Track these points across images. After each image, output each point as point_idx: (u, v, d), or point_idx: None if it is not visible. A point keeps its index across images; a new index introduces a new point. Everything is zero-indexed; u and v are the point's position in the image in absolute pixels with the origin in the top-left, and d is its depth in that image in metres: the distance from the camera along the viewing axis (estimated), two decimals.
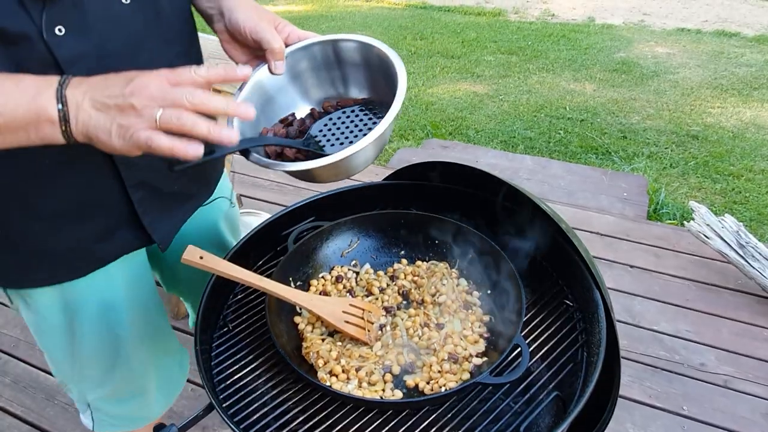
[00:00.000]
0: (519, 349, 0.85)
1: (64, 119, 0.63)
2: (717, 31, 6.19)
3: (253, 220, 2.26)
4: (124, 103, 0.62)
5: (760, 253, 2.28)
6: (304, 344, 0.95)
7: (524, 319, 0.95)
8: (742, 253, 2.29)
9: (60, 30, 0.71)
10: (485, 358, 0.93)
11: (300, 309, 1.02)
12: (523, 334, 0.96)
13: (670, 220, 3.08)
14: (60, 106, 0.63)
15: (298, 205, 1.17)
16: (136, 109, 0.62)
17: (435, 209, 1.18)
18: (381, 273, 1.10)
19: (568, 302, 1.01)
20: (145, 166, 0.90)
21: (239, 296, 1.08)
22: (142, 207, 0.94)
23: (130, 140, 0.63)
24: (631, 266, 2.54)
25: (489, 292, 1.04)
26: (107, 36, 0.76)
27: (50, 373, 2.06)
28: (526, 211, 1.08)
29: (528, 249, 1.13)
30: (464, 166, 1.12)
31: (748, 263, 2.27)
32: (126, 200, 0.92)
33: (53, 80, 0.64)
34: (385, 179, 1.25)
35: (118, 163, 0.87)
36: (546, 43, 5.95)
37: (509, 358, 0.91)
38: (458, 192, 1.18)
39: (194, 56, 0.97)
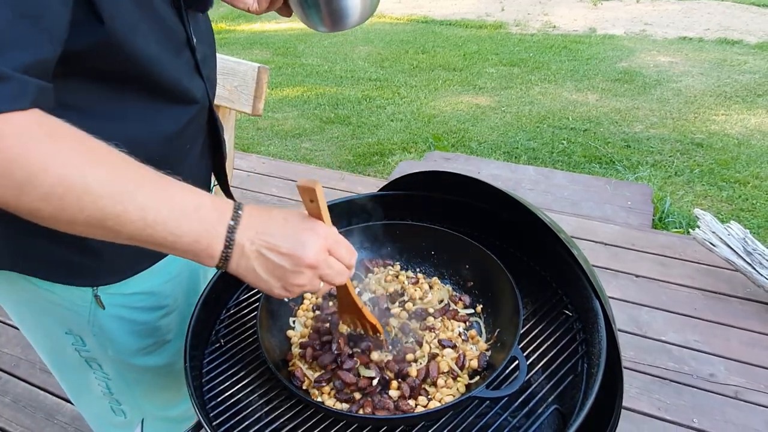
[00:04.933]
0: (517, 361, 0.83)
1: (225, 259, 0.67)
2: (719, 39, 6.18)
3: None
4: (289, 276, 0.69)
5: (767, 260, 2.24)
6: (291, 361, 0.93)
7: (523, 331, 0.93)
8: (749, 261, 2.26)
9: (193, 38, 0.86)
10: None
11: (293, 323, 1.00)
12: (521, 345, 0.93)
13: (675, 228, 3.04)
14: (225, 249, 0.66)
15: None
16: (297, 284, 0.71)
17: (431, 219, 1.17)
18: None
19: (567, 312, 0.98)
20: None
21: (232, 311, 1.06)
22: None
23: (289, 293, 0.72)
24: (637, 276, 2.51)
25: (486, 302, 1.02)
26: (204, 41, 0.93)
27: (51, 393, 2.06)
28: (524, 221, 1.06)
29: (526, 259, 1.11)
30: (459, 175, 1.11)
31: (756, 270, 2.23)
32: (206, 183, 1.03)
33: (226, 216, 0.67)
34: (380, 190, 1.24)
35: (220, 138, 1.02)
36: (548, 54, 5.96)
37: (507, 371, 0.88)
38: (455, 202, 1.17)
39: None
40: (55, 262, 0.87)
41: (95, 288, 0.90)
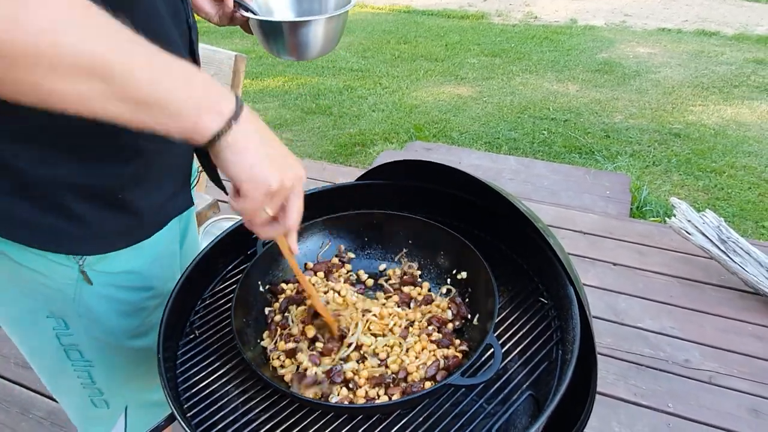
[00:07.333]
0: (492, 349, 0.83)
1: (233, 119, 0.64)
2: (697, 30, 6.26)
3: (230, 224, 2.22)
4: (285, 168, 0.70)
5: (741, 248, 2.28)
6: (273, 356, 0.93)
7: (498, 318, 0.93)
8: (723, 248, 2.30)
9: (191, 16, 0.82)
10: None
11: (268, 314, 0.99)
12: (497, 333, 0.93)
13: (653, 217, 3.08)
14: (237, 109, 0.64)
15: None
16: (260, 201, 0.71)
17: (409, 208, 1.16)
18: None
19: (543, 300, 0.99)
20: None
21: (207, 301, 1.05)
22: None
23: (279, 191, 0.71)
24: (615, 264, 2.54)
25: (463, 291, 1.02)
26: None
27: (26, 387, 2.02)
28: (501, 210, 1.06)
29: (504, 248, 1.11)
30: (437, 164, 1.10)
31: (730, 258, 2.28)
32: (189, 163, 1.00)
33: (231, 101, 0.65)
34: (358, 179, 1.23)
35: None
36: (529, 45, 5.98)
37: (483, 358, 0.89)
38: (432, 191, 1.16)
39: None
40: (36, 226, 0.83)
41: (81, 263, 0.88)
